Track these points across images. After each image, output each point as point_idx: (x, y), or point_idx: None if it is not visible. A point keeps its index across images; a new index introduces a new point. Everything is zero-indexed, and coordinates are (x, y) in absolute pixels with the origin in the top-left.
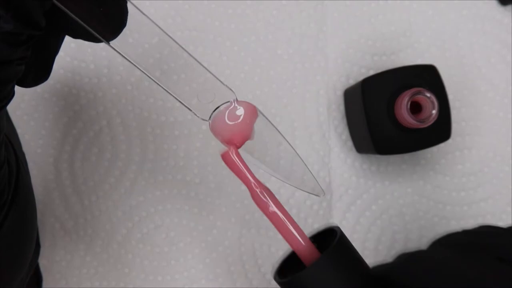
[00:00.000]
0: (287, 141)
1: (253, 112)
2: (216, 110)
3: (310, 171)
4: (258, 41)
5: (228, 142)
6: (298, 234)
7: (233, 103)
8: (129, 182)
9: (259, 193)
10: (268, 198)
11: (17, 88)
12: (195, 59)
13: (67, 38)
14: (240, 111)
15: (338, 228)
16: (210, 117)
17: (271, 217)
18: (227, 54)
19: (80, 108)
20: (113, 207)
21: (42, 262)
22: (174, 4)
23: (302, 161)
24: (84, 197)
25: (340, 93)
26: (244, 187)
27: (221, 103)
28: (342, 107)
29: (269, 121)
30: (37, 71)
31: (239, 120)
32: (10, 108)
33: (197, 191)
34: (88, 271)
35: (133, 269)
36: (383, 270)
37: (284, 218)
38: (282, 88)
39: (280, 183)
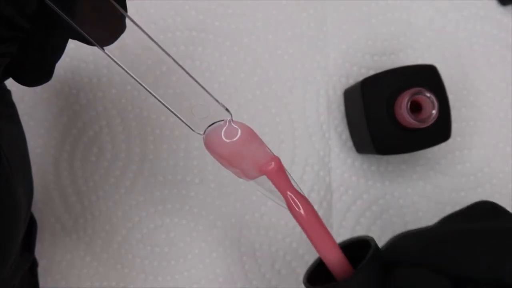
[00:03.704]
0: (287, 171)
1: (248, 132)
2: (212, 126)
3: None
4: (258, 41)
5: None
6: (332, 246)
7: (228, 123)
8: (129, 182)
9: (293, 203)
10: (302, 208)
11: (17, 89)
12: (193, 77)
13: None
14: (237, 131)
15: (373, 240)
16: (204, 131)
17: (304, 226)
18: (227, 54)
19: (80, 108)
20: (113, 207)
21: (42, 262)
22: (174, 4)
23: (301, 190)
24: (84, 197)
25: (340, 93)
26: (244, 186)
27: (216, 120)
28: (342, 107)
29: (270, 150)
30: (38, 70)
31: (235, 139)
32: None
33: (197, 191)
34: (88, 271)
35: (133, 269)
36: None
37: (319, 231)
38: (282, 88)
39: None
